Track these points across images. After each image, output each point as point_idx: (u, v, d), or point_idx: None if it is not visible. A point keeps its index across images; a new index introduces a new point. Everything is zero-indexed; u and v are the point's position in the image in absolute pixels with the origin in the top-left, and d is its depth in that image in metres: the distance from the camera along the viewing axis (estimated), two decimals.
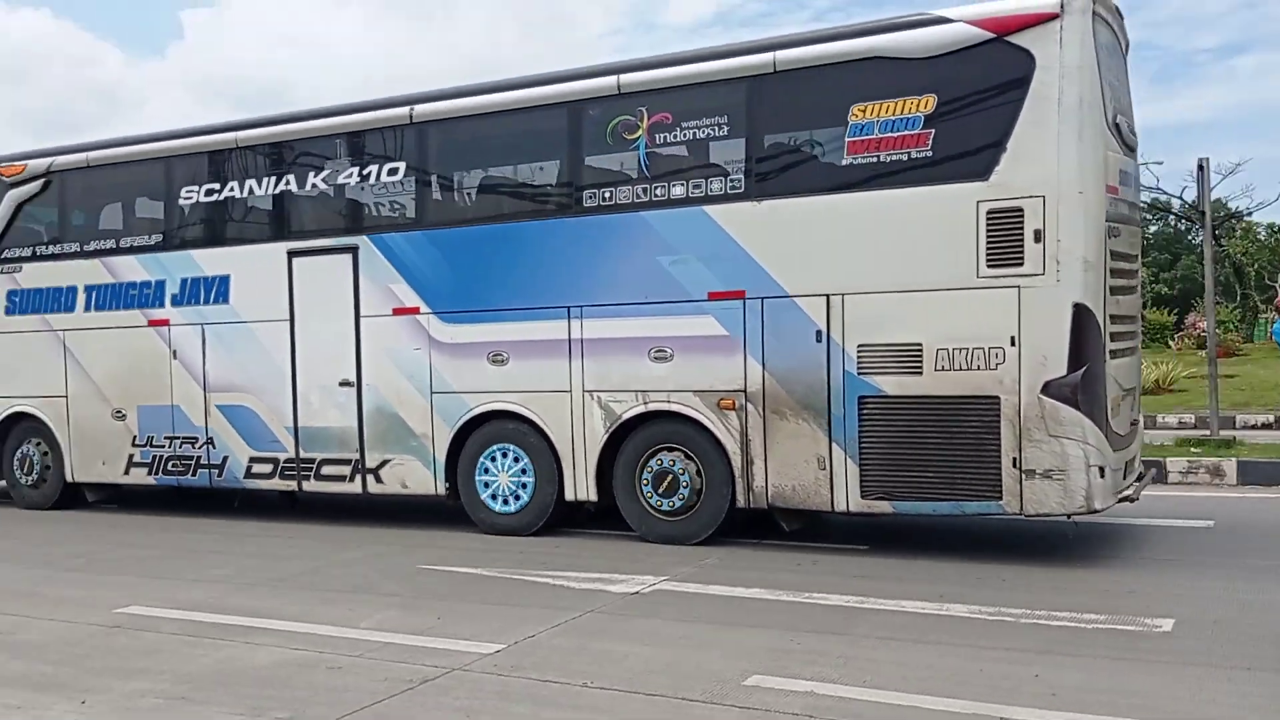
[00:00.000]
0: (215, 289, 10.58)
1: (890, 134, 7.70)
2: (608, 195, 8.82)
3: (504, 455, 9.49)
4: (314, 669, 5.86)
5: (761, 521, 8.99)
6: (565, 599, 7.30)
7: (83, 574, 8.67)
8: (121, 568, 8.90)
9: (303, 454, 10.32)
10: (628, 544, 9.20)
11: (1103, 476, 7.40)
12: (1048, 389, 7.30)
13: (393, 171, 9.84)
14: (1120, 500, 7.87)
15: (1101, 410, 7.42)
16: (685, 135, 8.50)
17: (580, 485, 9.12)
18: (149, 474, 11.26)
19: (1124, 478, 8.03)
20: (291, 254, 10.17)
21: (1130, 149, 8.21)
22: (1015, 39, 7.34)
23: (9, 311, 11.86)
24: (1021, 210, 7.30)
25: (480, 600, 7.40)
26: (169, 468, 11.12)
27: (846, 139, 7.88)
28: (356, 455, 10.03)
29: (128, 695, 5.50)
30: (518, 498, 9.50)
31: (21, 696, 5.51)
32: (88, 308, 11.35)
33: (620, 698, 5.26)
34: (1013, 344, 7.36)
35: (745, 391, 8.35)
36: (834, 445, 8.03)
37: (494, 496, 9.60)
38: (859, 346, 7.88)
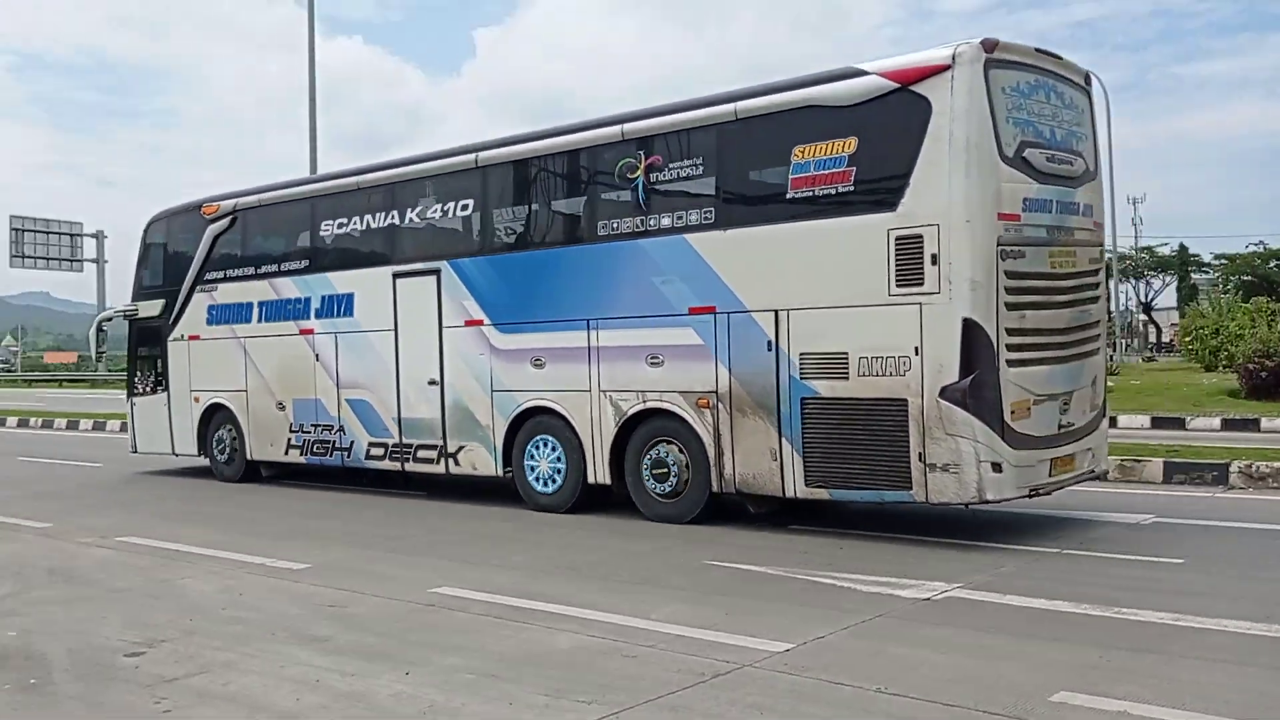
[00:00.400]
0: (344, 304, 12.85)
1: (822, 171, 8.88)
2: (615, 226, 10.34)
3: (544, 444, 11.15)
4: (611, 656, 6.08)
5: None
6: (853, 601, 7.21)
7: (399, 555, 9.41)
8: (432, 551, 9.59)
9: (404, 440, 12.35)
10: (915, 548, 8.99)
11: (998, 471, 8.28)
12: (944, 393, 8.24)
13: (464, 207, 11.82)
14: (1032, 494, 8.73)
15: (993, 412, 8.24)
16: (671, 174, 9.93)
17: (599, 471, 10.69)
18: (300, 455, 13.63)
19: (1050, 474, 8.84)
20: (395, 276, 12.17)
21: (1053, 176, 8.85)
22: (916, 88, 8.36)
23: (209, 322, 14.53)
24: (921, 237, 8.27)
25: (766, 598, 7.43)
26: (314, 450, 13.42)
27: (790, 176, 9.12)
28: (440, 442, 11.95)
29: (445, 669, 5.92)
30: (554, 480, 11.13)
31: (355, 665, 6.06)
32: (259, 319, 13.85)
33: (917, 706, 5.13)
34: (916, 353, 8.35)
35: (717, 393, 9.63)
36: (783, 440, 9.22)
37: (537, 479, 11.28)
38: (800, 355, 9.06)
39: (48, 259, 51.46)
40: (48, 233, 51.62)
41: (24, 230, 49.20)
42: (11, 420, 28.31)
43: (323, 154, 23.77)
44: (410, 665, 6.00)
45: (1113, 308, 42.96)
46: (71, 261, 53.31)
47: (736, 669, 5.76)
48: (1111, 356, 34.35)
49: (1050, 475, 8.88)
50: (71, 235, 53.09)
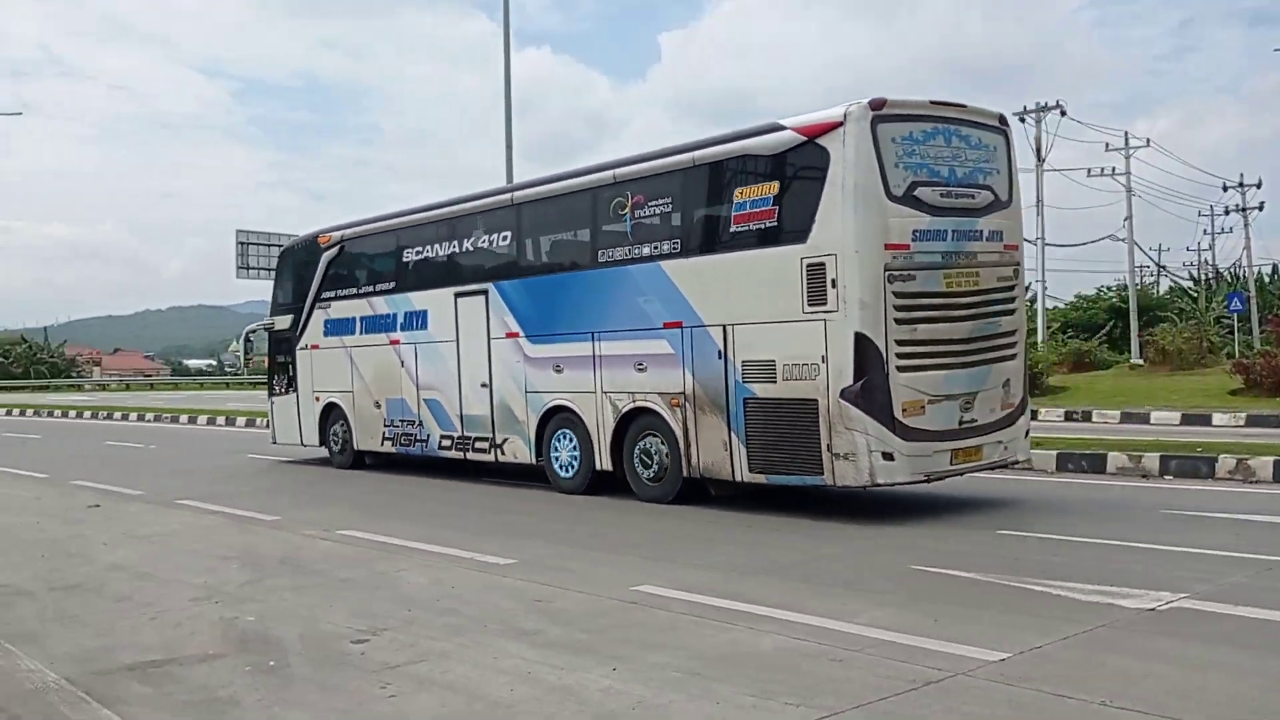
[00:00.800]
0: (420, 319, 14.99)
1: (755, 209, 10.56)
2: (611, 254, 12.18)
3: (565, 437, 13.15)
4: (816, 659, 6.02)
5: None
6: (1070, 610, 6.89)
7: (599, 553, 9.61)
8: (632, 549, 9.74)
9: (465, 433, 14.61)
10: (1133, 555, 8.53)
11: (889, 459, 9.82)
12: (843, 394, 9.79)
13: (505, 238, 13.94)
14: (930, 480, 10.36)
15: (883, 411, 9.76)
16: (650, 211, 11.77)
17: (603, 459, 12.58)
18: (392, 445, 16.01)
19: (951, 463, 10.27)
20: (456, 295, 14.31)
21: (949, 209, 10.17)
22: (819, 140, 9.93)
23: (325, 334, 17.02)
24: (824, 265, 9.82)
25: (977, 605, 7.19)
26: (401, 441, 15.82)
27: (733, 213, 10.82)
28: (491, 435, 14.16)
29: (651, 666, 6.00)
30: (572, 467, 13.13)
31: (564, 659, 6.22)
32: (361, 332, 16.19)
33: None
34: (823, 361, 9.90)
35: (684, 394, 11.38)
36: (732, 433, 10.90)
37: (561, 466, 13.31)
38: (743, 362, 10.74)
39: (270, 269, 55.05)
40: (269, 245, 55.14)
41: (249, 244, 52.73)
42: (240, 420, 30.47)
43: (515, 163, 24.51)
44: (617, 661, 6.12)
45: None
46: None
47: (949, 677, 5.60)
48: None
49: (951, 464, 10.34)
50: None
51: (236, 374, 78.18)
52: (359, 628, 7.10)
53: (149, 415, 34.64)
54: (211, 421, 31.04)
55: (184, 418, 32.68)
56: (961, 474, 10.69)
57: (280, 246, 50.39)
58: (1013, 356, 10.87)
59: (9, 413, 39.57)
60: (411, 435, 15.58)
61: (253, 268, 54.37)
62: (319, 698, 5.71)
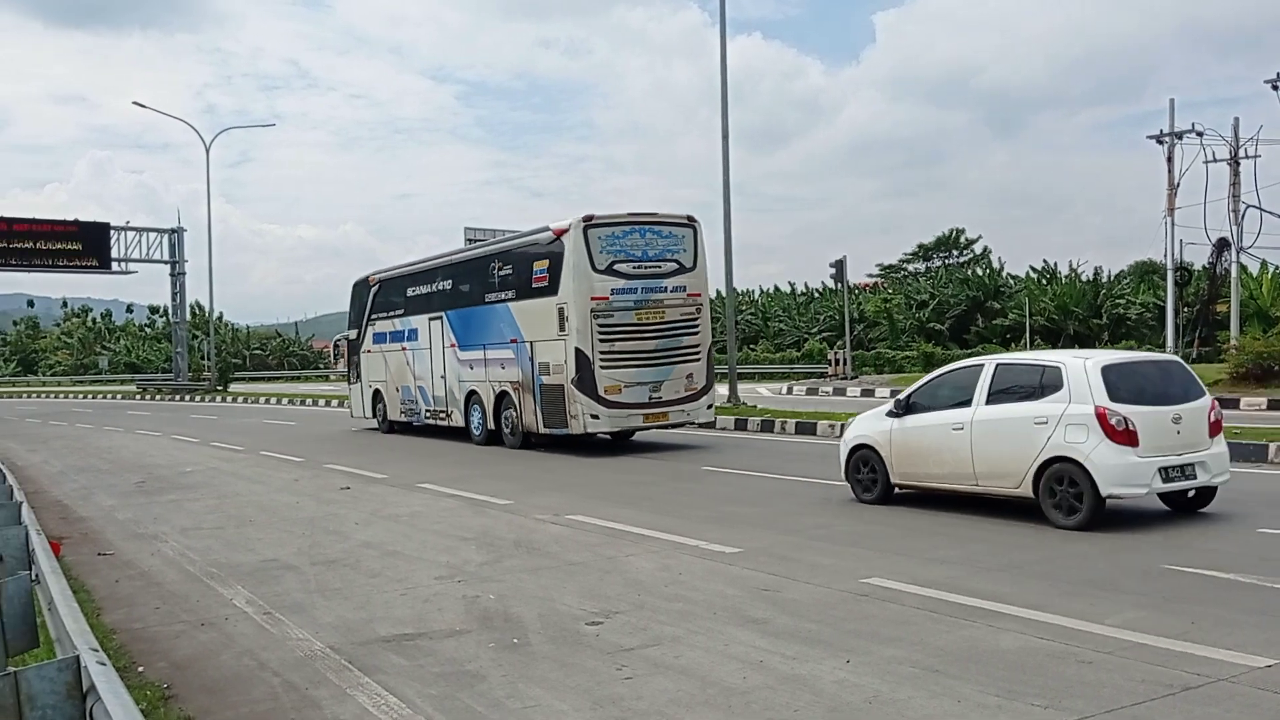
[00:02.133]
0: (414, 334, 22.40)
1: (540, 274, 17.63)
2: (489, 296, 19.37)
3: (476, 410, 20.29)
4: (1063, 661, 5.76)
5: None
6: None
7: (825, 544, 9.51)
8: (858, 541, 9.59)
9: (435, 409, 22.05)
10: None
11: (596, 419, 17.03)
12: (571, 382, 16.82)
13: (448, 282, 21.27)
14: (625, 433, 18.37)
15: (592, 391, 16.85)
16: (505, 272, 18.86)
17: (491, 422, 19.65)
18: (404, 417, 23.57)
19: (644, 422, 17.57)
20: (429, 319, 21.60)
21: (635, 275, 17.13)
22: (561, 237, 16.87)
23: (373, 343, 24.72)
24: (564, 308, 16.87)
25: (1236, 607, 6.69)
26: (408, 414, 23.39)
27: (534, 275, 17.82)
28: (446, 409, 21.50)
29: (885, 660, 5.90)
30: (481, 429, 20.22)
31: (794, 649, 6.21)
32: (389, 341, 23.81)
33: None
34: (565, 363, 16.93)
35: (519, 383, 18.42)
36: (536, 406, 17.86)
37: (474, 428, 20.48)
38: (538, 364, 17.80)
39: None
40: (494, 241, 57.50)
41: (476, 240, 55.12)
42: None
43: (730, 152, 24.48)
44: (849, 653, 6.05)
45: None
46: None
47: (1209, 683, 5.24)
48: None
49: (644, 423, 17.59)
50: None
51: None
52: (592, 610, 7.33)
53: None
54: None
55: None
56: (649, 429, 18.17)
57: (505, 241, 53.81)
58: (695, 360, 17.82)
59: (267, 401, 43.00)
60: (414, 410, 23.08)
61: None
62: (559, 676, 5.92)
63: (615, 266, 17.01)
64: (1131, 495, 9.59)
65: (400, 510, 12.53)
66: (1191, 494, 10.15)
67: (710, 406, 18.41)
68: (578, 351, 16.93)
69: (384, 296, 24.17)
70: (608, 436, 18.25)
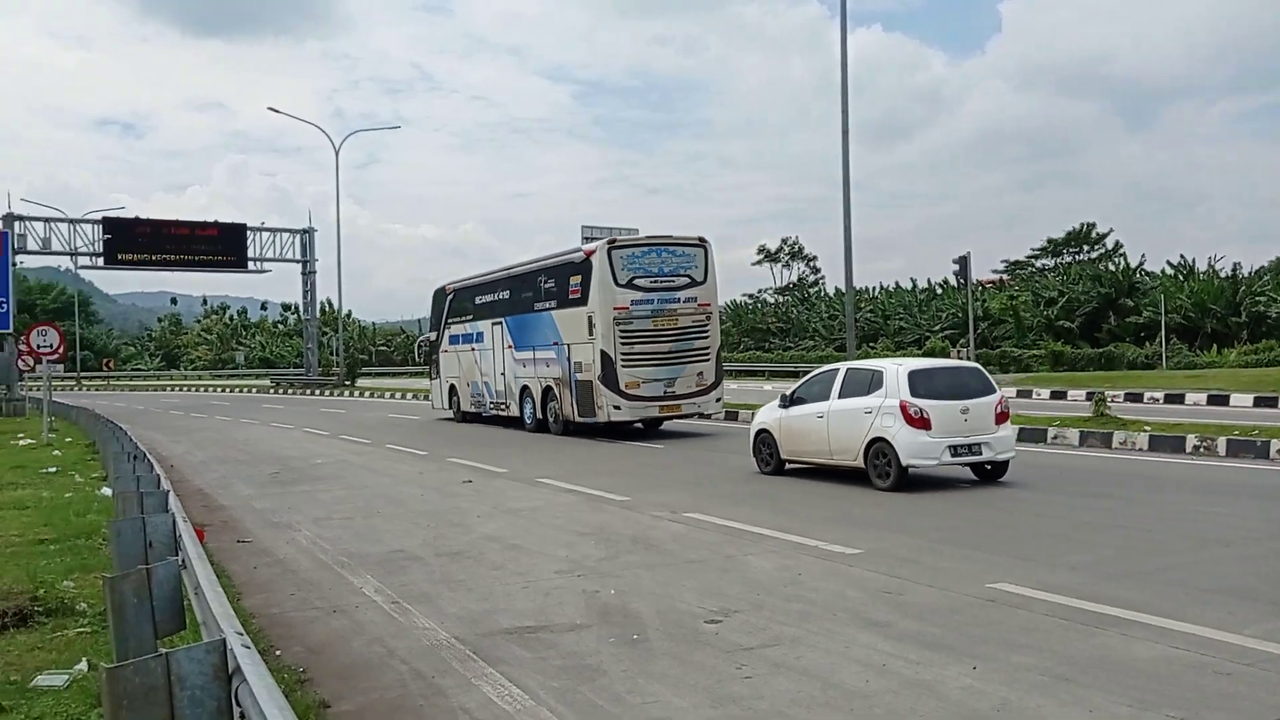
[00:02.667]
0: (480, 336, 25.86)
1: (573, 288, 21.01)
2: (538, 305, 22.51)
3: (528, 402, 23.52)
4: (1200, 671, 5.53)
5: None
6: None
7: (949, 546, 9.31)
8: (981, 544, 9.36)
9: (497, 401, 25.37)
10: None
11: (618, 410, 20.17)
12: (598, 378, 20.06)
13: (506, 293, 24.46)
14: (641, 422, 21.23)
15: (615, 386, 20.05)
16: (549, 285, 22.10)
17: (539, 413, 22.85)
18: (474, 409, 26.99)
19: (659, 413, 20.72)
20: (492, 324, 24.99)
21: (651, 289, 20.33)
22: (590, 258, 20.21)
23: (449, 344, 28.28)
24: (592, 316, 20.13)
25: None
26: (476, 406, 26.90)
27: (569, 289, 21.18)
28: (504, 402, 24.76)
29: (1013, 668, 5.76)
30: (532, 418, 23.40)
31: (918, 653, 6.11)
32: (460, 343, 27.27)
33: None
34: (593, 363, 20.07)
35: (560, 379, 21.59)
36: (573, 398, 20.99)
37: (526, 418, 23.71)
38: (574, 362, 20.97)
39: None
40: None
41: (593, 239, 55.64)
42: None
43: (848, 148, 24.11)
44: (976, 660, 5.92)
45: None
46: None
47: None
48: None
49: (659, 414, 20.59)
50: None
51: None
52: (711, 608, 7.33)
53: None
54: None
55: None
56: (665, 419, 21.27)
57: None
58: (705, 360, 20.93)
59: (392, 396, 44.21)
60: (481, 402, 26.60)
61: None
62: (679, 673, 5.95)
63: (634, 281, 20.49)
64: (925, 466, 12.62)
65: (521, 505, 12.74)
66: (989, 467, 13.18)
67: (719, 400, 21.54)
68: (603, 353, 20.30)
69: (457, 303, 27.92)
70: (640, 425, 21.84)
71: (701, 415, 21.59)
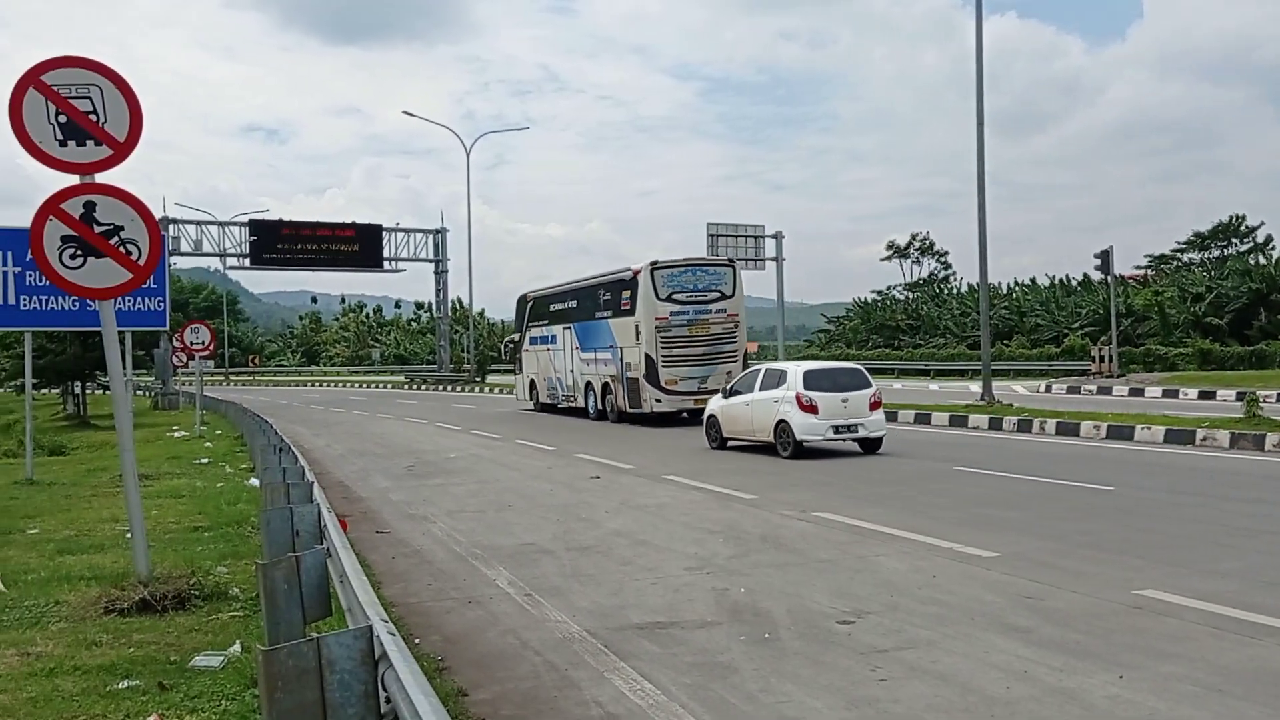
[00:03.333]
0: (553, 339, 30.19)
1: (624, 301, 25.66)
2: (597, 313, 27.17)
3: (590, 396, 27.93)
4: None
5: None
6: None
7: (1092, 550, 8.96)
8: (1128, 549, 8.96)
9: (569, 395, 29.56)
10: None
11: (659, 403, 24.74)
12: (644, 376, 24.68)
13: (574, 302, 28.88)
14: (678, 411, 24.98)
15: (657, 383, 24.62)
16: (605, 297, 26.89)
17: (600, 405, 27.36)
18: (550, 401, 31.03)
19: (693, 405, 24.14)
20: (563, 328, 29.20)
21: (687, 302, 24.62)
22: (636, 276, 25.00)
23: (529, 344, 32.45)
24: (639, 325, 24.78)
25: None
26: (551, 398, 31.06)
27: (621, 301, 25.86)
28: (572, 395, 29.19)
29: (1162, 677, 5.52)
30: (593, 409, 27.84)
31: (1060, 660, 5.91)
32: (539, 344, 31.42)
33: None
34: (638, 363, 24.76)
35: (615, 376, 26.13)
36: (625, 393, 25.62)
37: (590, 409, 27.94)
38: (625, 363, 25.72)
39: (738, 259, 57.59)
40: (736, 236, 57.69)
41: (718, 235, 55.53)
42: None
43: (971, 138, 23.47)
44: (1122, 668, 5.69)
45: None
46: (756, 260, 58.95)
47: None
48: None
49: (694, 405, 23.30)
50: (755, 237, 58.71)
51: None
52: (843, 609, 7.24)
53: None
54: None
55: None
56: (701, 410, 21.32)
57: (749, 236, 56.11)
58: (733, 361, 24.52)
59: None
60: (555, 395, 30.65)
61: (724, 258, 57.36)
62: (811, 673, 5.89)
63: (674, 296, 24.80)
64: (813, 440, 16.81)
65: (648, 501, 12.81)
66: (864, 443, 17.17)
67: None
68: (647, 355, 24.66)
69: (536, 310, 32.53)
70: (685, 415, 25.12)
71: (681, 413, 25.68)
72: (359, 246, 57.24)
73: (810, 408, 16.67)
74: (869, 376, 17.61)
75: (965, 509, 11.50)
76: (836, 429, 16.69)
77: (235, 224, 56.48)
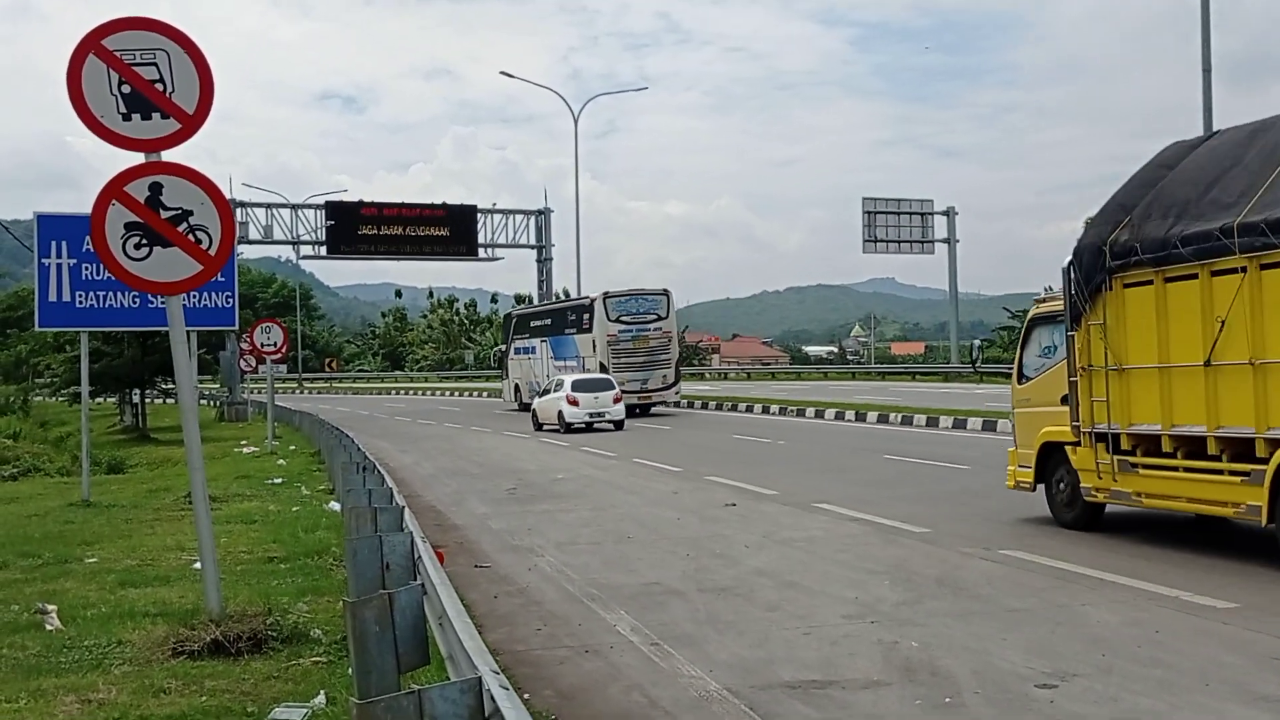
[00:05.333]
0: (533, 350, 44.84)
1: (584, 321, 40.76)
2: (568, 330, 42.40)
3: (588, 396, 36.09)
4: None
5: None
6: None
7: None
8: None
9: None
10: None
11: (617, 401, 34.01)
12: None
13: (547, 321, 45.51)
14: (634, 410, 37.16)
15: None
16: (572, 317, 42.49)
17: (623, 404, 35.32)
18: (530, 400, 40.12)
19: (638, 400, 38.03)
20: (540, 340, 44.48)
21: (631, 323, 39.27)
22: (594, 302, 40.49)
23: (515, 354, 46.69)
24: (594, 340, 39.75)
25: None
26: (529, 398, 40.82)
27: (583, 321, 41.12)
28: (611, 395, 34.95)
29: None
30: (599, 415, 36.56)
31: None
32: (521, 354, 46.07)
33: None
34: (595, 368, 38.28)
35: None
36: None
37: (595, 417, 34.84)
38: (586, 369, 39.04)
39: (899, 241, 56.75)
40: (898, 213, 56.85)
41: (875, 212, 54.79)
42: (871, 415, 31.87)
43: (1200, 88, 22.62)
44: None
45: None
46: (922, 243, 57.92)
47: None
48: None
49: (638, 401, 37.67)
50: (921, 214, 57.71)
51: (861, 362, 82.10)
52: (1042, 669, 7.05)
53: (773, 408, 37.57)
54: (840, 416, 32.79)
55: (810, 411, 34.90)
56: (642, 406, 37.53)
57: (913, 214, 57.28)
58: (667, 367, 38.86)
59: None
60: (533, 395, 37.68)
61: (881, 240, 56.60)
62: None
63: (621, 318, 38.26)
64: (579, 423, 31.09)
65: (795, 534, 12.73)
66: (610, 425, 31.35)
67: (677, 393, 40.20)
68: (601, 364, 37.23)
69: (519, 325, 47.64)
70: (638, 410, 36.91)
71: (665, 403, 39.68)
72: (450, 230, 58.49)
73: (574, 402, 31.59)
74: (614, 382, 33.38)
75: (1193, 550, 11.06)
76: (591, 415, 31.57)
77: (309, 206, 58.31)
